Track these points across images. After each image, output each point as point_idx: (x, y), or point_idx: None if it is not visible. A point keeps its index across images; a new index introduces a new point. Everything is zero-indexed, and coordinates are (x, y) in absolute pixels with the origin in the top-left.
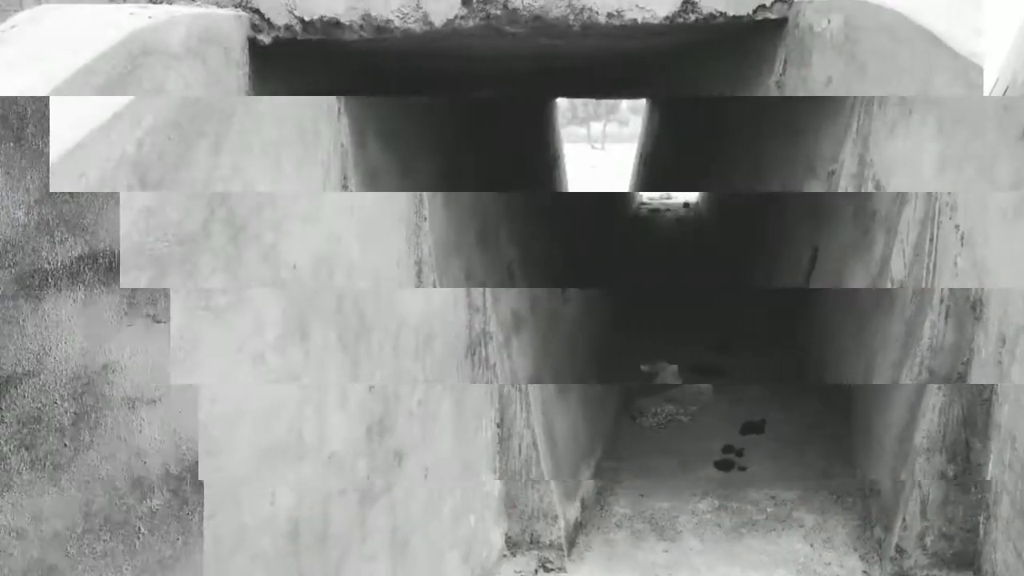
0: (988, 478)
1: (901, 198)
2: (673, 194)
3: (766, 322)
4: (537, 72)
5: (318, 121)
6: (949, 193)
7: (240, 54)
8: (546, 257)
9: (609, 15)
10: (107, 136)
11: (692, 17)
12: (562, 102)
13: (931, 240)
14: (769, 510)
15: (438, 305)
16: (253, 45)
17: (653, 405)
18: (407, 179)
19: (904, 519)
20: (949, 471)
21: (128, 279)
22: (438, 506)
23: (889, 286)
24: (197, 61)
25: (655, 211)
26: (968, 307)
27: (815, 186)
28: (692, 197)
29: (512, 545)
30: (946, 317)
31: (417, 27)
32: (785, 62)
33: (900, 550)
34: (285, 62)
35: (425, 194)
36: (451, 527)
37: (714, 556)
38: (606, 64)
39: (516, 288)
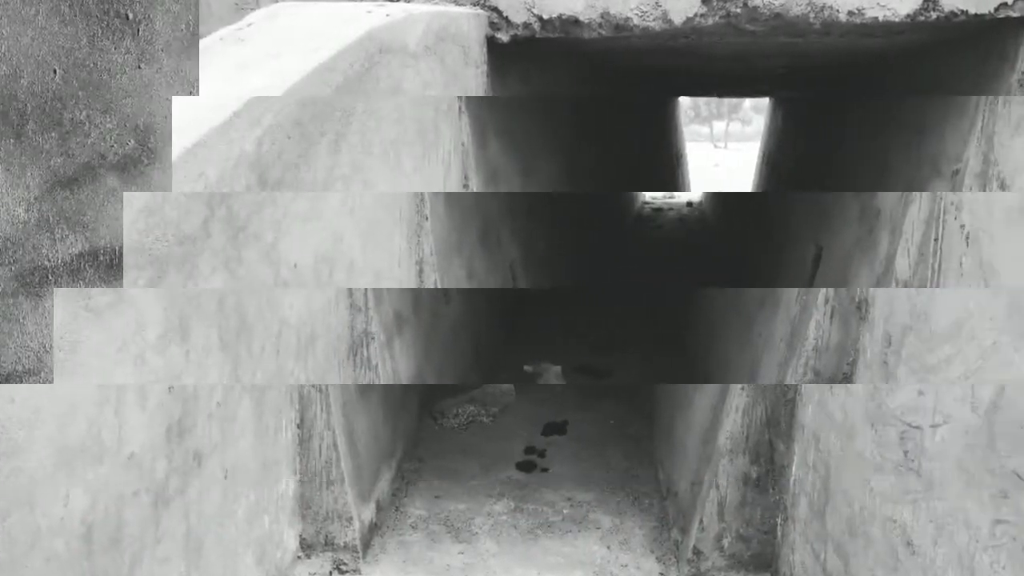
0: (792, 479)
1: (906, 198)
2: (676, 193)
3: (656, 323)
4: (776, 71)
5: (439, 120)
6: (954, 192)
7: (478, 52)
8: (548, 256)
9: (850, 13)
10: (226, 135)
11: (933, 15)
12: (684, 100)
13: (936, 240)
14: (566, 512)
15: (319, 305)
16: (491, 43)
17: (455, 406)
18: (529, 178)
19: (701, 521)
20: (752, 472)
21: (128, 279)
22: (232, 507)
23: (894, 286)
24: (435, 59)
25: (658, 210)
26: (853, 307)
27: (940, 186)
28: (695, 196)
29: (306, 547)
30: (831, 317)
31: (656, 25)
32: None
33: (697, 552)
34: (523, 61)
35: (427, 193)
36: (245, 529)
37: (510, 558)
38: (845, 63)
39: (397, 288)
